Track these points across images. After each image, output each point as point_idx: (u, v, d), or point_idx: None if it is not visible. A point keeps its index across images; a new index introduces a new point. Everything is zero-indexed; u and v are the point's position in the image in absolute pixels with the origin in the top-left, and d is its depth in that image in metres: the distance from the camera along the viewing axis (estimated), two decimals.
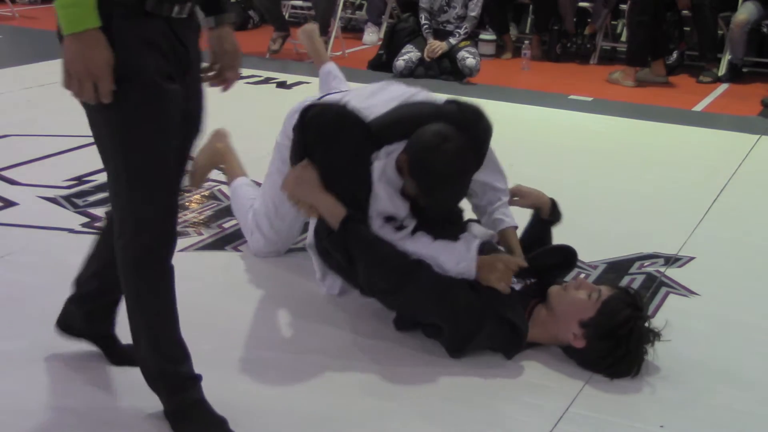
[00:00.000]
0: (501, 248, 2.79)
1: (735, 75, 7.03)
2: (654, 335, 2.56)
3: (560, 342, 2.63)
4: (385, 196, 2.65)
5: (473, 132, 2.66)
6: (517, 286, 2.68)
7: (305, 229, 3.18)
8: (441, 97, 2.89)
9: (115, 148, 1.98)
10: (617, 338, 2.51)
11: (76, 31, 1.87)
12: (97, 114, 1.97)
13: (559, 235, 2.99)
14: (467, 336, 2.57)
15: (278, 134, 3.18)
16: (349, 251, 2.59)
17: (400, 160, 2.63)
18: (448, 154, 2.52)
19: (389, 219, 2.66)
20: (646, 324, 2.57)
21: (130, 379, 2.46)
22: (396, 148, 2.65)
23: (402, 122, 2.67)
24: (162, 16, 1.96)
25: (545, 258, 2.78)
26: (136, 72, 1.91)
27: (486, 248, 2.67)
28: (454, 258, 2.58)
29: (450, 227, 2.75)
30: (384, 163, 2.66)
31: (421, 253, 2.59)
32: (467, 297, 2.55)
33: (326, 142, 2.62)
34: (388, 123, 2.67)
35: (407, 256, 2.58)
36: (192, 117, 2.18)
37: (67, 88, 1.93)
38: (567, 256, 2.81)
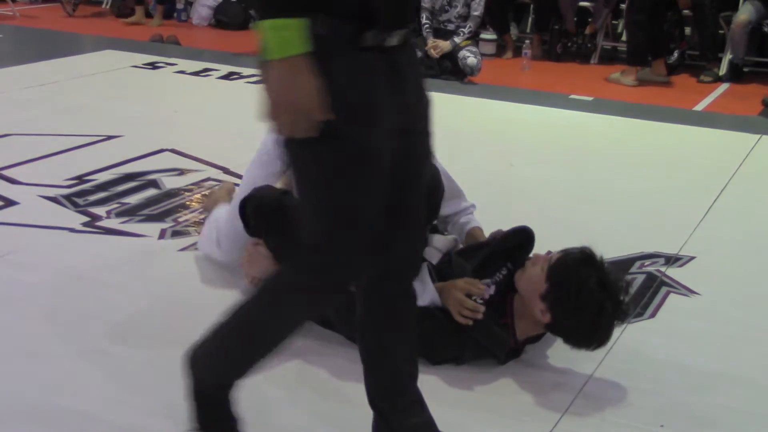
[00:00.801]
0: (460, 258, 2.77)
1: (736, 75, 7.03)
2: (620, 286, 2.43)
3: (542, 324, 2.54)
4: None
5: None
6: (491, 289, 2.60)
7: None
8: None
9: (318, 187, 1.73)
10: (576, 300, 2.38)
11: (286, 56, 1.62)
12: (300, 148, 1.72)
13: (559, 235, 2.99)
14: (449, 359, 2.57)
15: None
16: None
17: None
18: None
19: None
20: (609, 281, 2.42)
21: (129, 380, 2.46)
22: None
23: None
24: (379, 47, 1.72)
25: (504, 243, 2.74)
26: (351, 107, 1.69)
27: (447, 260, 2.70)
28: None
29: None
30: None
31: None
32: (440, 324, 2.53)
33: (270, 230, 2.72)
34: None
35: None
36: (412, 156, 1.85)
37: (269, 120, 1.69)
38: (524, 236, 2.75)
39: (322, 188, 1.73)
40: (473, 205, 3.06)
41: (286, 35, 1.60)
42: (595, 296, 2.38)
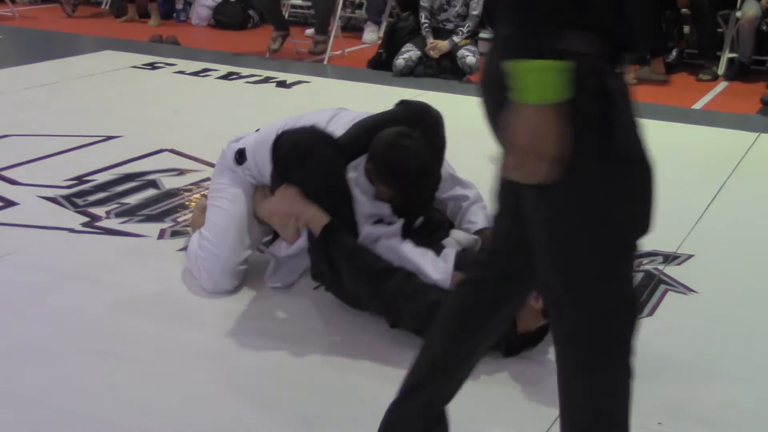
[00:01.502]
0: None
1: (743, 72, 7.00)
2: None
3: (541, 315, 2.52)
4: (366, 201, 2.79)
5: (424, 124, 2.83)
6: None
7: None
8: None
9: (595, 219, 1.56)
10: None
11: (543, 101, 1.44)
12: (546, 193, 1.54)
13: None
14: None
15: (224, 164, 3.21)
16: (332, 258, 2.67)
17: (368, 170, 2.80)
18: (407, 149, 2.73)
19: (377, 221, 2.79)
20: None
21: (129, 380, 2.47)
22: (360, 162, 2.82)
23: (360, 136, 2.84)
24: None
25: None
26: (630, 127, 1.60)
27: (466, 256, 2.73)
28: (433, 267, 2.66)
29: (434, 234, 2.86)
30: (355, 177, 2.80)
31: (404, 259, 2.67)
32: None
33: (302, 161, 2.73)
34: (349, 140, 2.84)
35: (388, 262, 2.66)
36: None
37: (511, 166, 1.52)
38: None
39: (603, 218, 1.56)
40: (467, 196, 3.06)
41: (547, 78, 1.44)
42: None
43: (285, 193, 2.75)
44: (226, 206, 3.01)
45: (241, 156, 3.05)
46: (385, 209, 2.82)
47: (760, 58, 7.37)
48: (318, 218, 2.69)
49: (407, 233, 2.78)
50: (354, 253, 2.67)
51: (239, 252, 2.98)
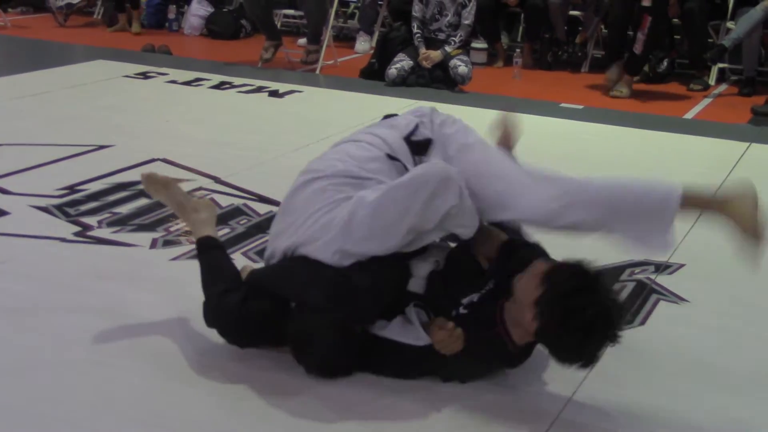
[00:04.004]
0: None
1: (749, 85, 6.95)
2: (615, 306, 2.36)
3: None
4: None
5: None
6: (476, 296, 2.57)
7: None
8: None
9: None
10: (565, 313, 2.29)
11: None
12: None
13: (550, 243, 2.99)
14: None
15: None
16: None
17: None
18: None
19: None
20: (607, 300, 2.35)
21: (120, 389, 2.46)
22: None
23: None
24: None
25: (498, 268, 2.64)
26: None
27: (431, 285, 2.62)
28: (411, 338, 2.50)
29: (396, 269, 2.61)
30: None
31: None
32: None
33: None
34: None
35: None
36: None
37: None
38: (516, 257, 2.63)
39: None
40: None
41: None
42: (587, 315, 2.29)
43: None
44: None
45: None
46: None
47: (761, 69, 7.37)
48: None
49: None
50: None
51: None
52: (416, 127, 2.72)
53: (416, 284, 2.62)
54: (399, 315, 2.55)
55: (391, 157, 2.64)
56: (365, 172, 2.59)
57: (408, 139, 2.70)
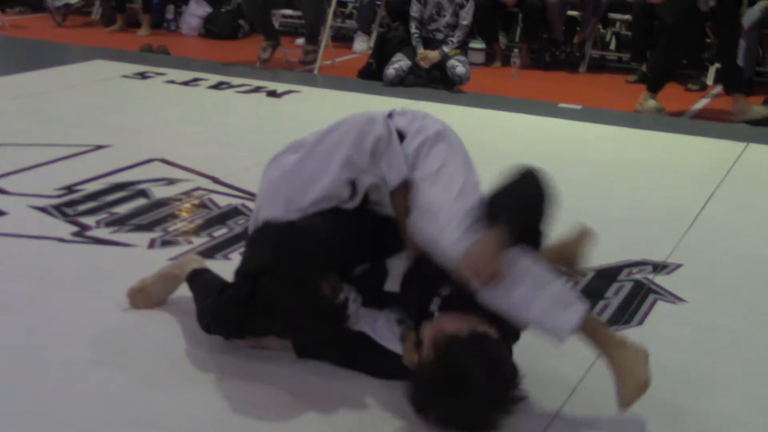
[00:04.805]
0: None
1: (747, 85, 6.92)
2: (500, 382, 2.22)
3: None
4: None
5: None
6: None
7: None
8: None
9: None
10: (443, 384, 2.20)
11: None
12: None
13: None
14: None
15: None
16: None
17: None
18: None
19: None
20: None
21: (118, 390, 2.47)
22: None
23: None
24: None
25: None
26: None
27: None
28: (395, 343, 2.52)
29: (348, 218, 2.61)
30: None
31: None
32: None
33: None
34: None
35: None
36: None
37: None
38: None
39: None
40: None
41: None
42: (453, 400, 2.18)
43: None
44: None
45: None
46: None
47: (759, 69, 7.38)
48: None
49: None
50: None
51: None
52: (390, 114, 2.70)
53: (392, 283, 2.62)
54: (383, 317, 2.55)
55: None
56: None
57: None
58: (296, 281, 2.36)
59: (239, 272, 2.59)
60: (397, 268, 2.63)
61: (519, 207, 2.42)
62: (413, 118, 2.67)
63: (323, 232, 2.47)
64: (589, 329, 2.34)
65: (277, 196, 2.60)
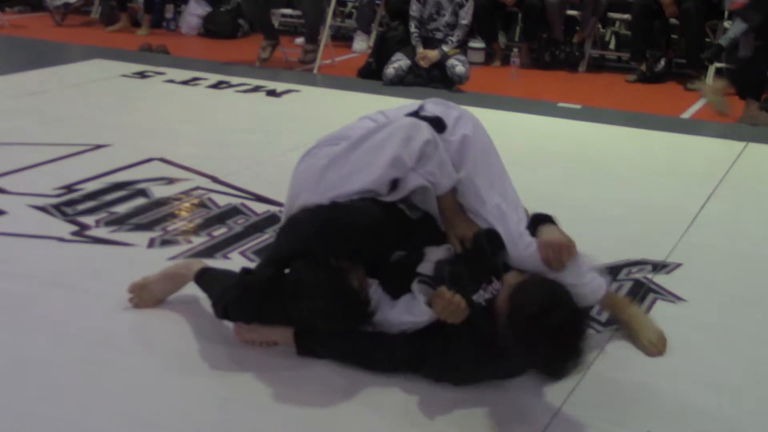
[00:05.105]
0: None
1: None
2: (579, 324, 2.34)
3: None
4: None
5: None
6: (487, 294, 2.52)
7: None
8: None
9: None
10: (524, 325, 2.28)
11: None
12: None
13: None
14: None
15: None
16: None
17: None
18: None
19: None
20: (570, 315, 2.31)
21: (117, 389, 2.47)
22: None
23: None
24: None
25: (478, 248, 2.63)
26: None
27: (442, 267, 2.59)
28: (413, 316, 2.53)
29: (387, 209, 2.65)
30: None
31: (392, 325, 2.55)
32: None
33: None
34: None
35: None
36: None
37: None
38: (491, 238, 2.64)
39: None
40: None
41: None
42: (555, 326, 2.24)
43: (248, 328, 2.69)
44: None
45: None
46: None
47: None
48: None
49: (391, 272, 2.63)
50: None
51: None
52: (421, 106, 2.81)
53: (426, 267, 2.63)
54: (407, 293, 2.57)
55: None
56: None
57: (416, 114, 2.75)
58: (329, 269, 2.44)
59: (269, 257, 2.65)
60: (435, 254, 2.65)
61: None
62: (446, 107, 2.83)
63: (366, 217, 2.53)
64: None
65: (319, 183, 2.64)
